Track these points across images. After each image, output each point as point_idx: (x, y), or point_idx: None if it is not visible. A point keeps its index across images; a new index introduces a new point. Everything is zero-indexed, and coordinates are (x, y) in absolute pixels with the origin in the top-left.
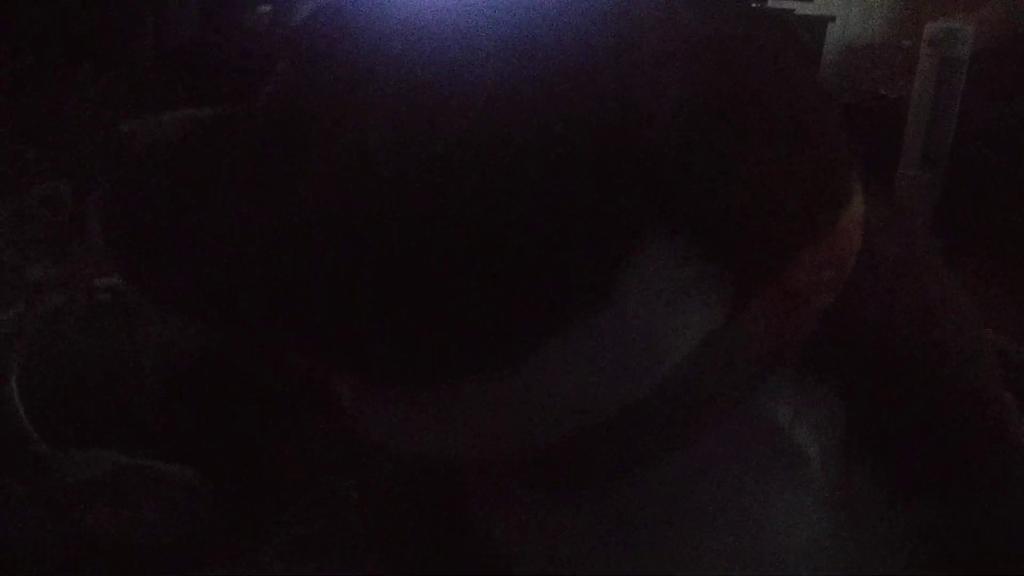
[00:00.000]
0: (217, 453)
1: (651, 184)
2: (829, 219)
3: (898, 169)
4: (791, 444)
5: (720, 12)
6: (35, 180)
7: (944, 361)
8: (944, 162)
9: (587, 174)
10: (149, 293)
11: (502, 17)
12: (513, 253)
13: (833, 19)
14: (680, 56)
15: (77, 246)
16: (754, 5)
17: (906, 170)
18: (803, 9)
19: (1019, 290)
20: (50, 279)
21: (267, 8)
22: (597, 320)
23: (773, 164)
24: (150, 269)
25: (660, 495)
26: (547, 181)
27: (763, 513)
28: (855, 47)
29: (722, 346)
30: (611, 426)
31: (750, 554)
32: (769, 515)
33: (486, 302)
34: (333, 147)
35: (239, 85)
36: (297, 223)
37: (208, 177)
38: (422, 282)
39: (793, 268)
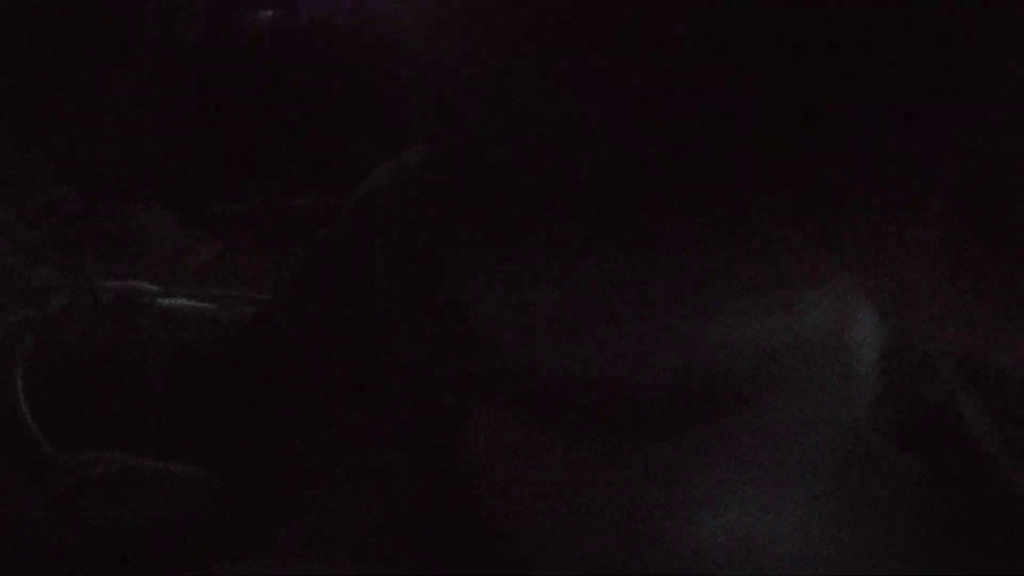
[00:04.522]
0: (225, 450)
1: None
2: None
3: None
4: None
5: None
6: (40, 185)
7: None
8: None
9: None
10: None
11: None
12: None
13: None
14: None
15: (82, 250)
16: None
17: None
18: None
19: None
20: (54, 283)
21: (269, 13)
22: None
23: None
24: None
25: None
26: None
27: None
28: None
29: None
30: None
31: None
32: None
33: None
34: None
35: (245, 88)
36: None
37: None
38: None
39: None
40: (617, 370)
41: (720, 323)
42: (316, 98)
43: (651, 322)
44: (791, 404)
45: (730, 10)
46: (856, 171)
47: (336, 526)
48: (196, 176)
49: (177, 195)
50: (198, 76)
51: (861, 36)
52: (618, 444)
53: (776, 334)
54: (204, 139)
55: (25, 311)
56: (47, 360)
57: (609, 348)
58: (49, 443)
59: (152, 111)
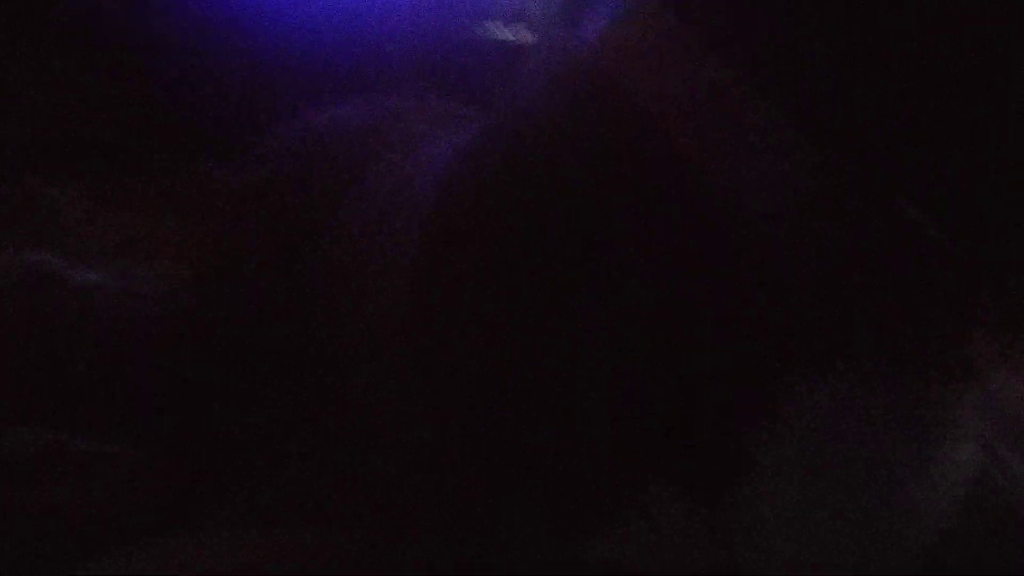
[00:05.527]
0: (160, 426)
1: None
2: None
3: None
4: None
5: None
6: None
7: None
8: None
9: None
10: None
11: None
12: None
13: None
14: None
15: None
16: None
17: None
18: None
19: None
20: None
21: None
22: None
23: None
24: None
25: None
26: None
27: None
28: None
29: None
30: None
31: None
32: None
33: None
34: None
35: (140, 55)
36: None
37: None
38: None
39: None
40: None
41: None
42: (238, 65)
43: None
44: None
45: None
46: None
47: (272, 506)
48: (110, 146)
49: (89, 166)
50: (114, 43)
51: None
52: None
53: None
54: (118, 107)
55: None
56: None
57: None
58: None
59: (63, 79)
